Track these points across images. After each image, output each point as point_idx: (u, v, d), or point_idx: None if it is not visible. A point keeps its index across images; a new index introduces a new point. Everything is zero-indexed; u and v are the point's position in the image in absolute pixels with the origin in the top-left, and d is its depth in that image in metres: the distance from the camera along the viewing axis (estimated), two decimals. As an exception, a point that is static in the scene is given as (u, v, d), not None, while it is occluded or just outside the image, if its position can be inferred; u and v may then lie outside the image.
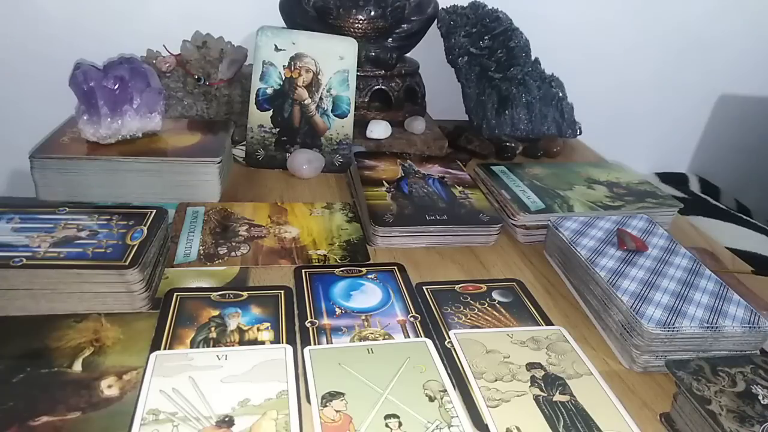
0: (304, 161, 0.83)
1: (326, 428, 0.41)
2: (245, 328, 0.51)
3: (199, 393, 0.43)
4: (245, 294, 0.56)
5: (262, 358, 0.47)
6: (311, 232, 0.68)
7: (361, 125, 0.90)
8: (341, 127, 0.85)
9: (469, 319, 0.55)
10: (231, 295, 0.55)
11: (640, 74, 1.27)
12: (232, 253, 0.62)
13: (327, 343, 0.50)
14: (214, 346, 0.48)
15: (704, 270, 0.58)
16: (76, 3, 0.99)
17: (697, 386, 0.42)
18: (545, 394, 0.46)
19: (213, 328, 0.51)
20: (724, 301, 0.53)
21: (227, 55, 0.91)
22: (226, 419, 0.41)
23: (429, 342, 0.51)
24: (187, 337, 0.49)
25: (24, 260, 0.50)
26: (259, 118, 0.84)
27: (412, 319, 0.54)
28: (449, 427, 0.42)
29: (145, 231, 0.56)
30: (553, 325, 0.55)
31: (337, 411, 0.42)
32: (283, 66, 0.83)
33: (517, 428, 0.42)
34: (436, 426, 0.42)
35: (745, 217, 1.11)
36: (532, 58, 1.02)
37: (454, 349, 0.50)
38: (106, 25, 1.01)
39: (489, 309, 0.57)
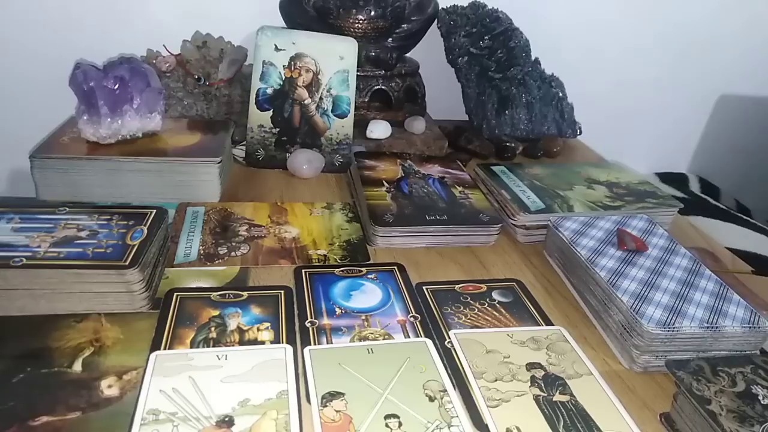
0: (304, 161, 0.83)
1: (326, 428, 0.41)
2: (245, 328, 0.51)
3: (199, 393, 0.43)
4: (245, 294, 0.56)
5: (262, 358, 0.47)
6: (311, 232, 0.68)
7: (361, 125, 0.90)
8: (341, 127, 0.85)
9: (469, 319, 0.55)
10: (231, 295, 0.55)
11: (640, 74, 1.27)
12: (232, 253, 0.62)
13: (327, 343, 0.50)
14: (214, 346, 0.48)
15: (704, 270, 0.58)
16: (76, 3, 0.99)
17: (697, 386, 0.42)
18: (545, 394, 0.46)
19: (213, 328, 0.51)
20: (724, 301, 0.53)
21: (227, 55, 0.91)
22: (226, 419, 0.41)
23: (429, 342, 0.51)
24: (187, 337, 0.49)
25: (24, 260, 0.50)
26: (259, 118, 0.84)
27: (412, 319, 0.54)
28: (449, 427, 0.42)
29: (145, 231, 0.56)
30: (553, 325, 0.55)
31: (337, 411, 0.42)
32: (283, 66, 0.83)
33: (517, 428, 0.42)
34: (436, 426, 0.42)
35: (745, 217, 1.11)
36: (532, 58, 1.02)
37: (454, 349, 0.50)
38: (106, 25, 1.01)
39: (489, 309, 0.57)
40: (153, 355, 0.46)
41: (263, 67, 0.83)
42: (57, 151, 0.70)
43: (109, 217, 0.58)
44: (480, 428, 0.43)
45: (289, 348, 0.48)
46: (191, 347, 0.48)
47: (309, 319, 0.53)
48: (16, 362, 0.45)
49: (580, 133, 1.04)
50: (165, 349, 0.48)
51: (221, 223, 0.68)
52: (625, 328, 0.51)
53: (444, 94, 1.03)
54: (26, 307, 0.50)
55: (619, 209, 0.73)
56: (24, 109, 1.03)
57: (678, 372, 0.43)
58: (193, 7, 1.02)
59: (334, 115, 0.85)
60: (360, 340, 0.51)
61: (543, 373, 0.48)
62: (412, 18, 0.96)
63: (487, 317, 0.55)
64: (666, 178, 1.32)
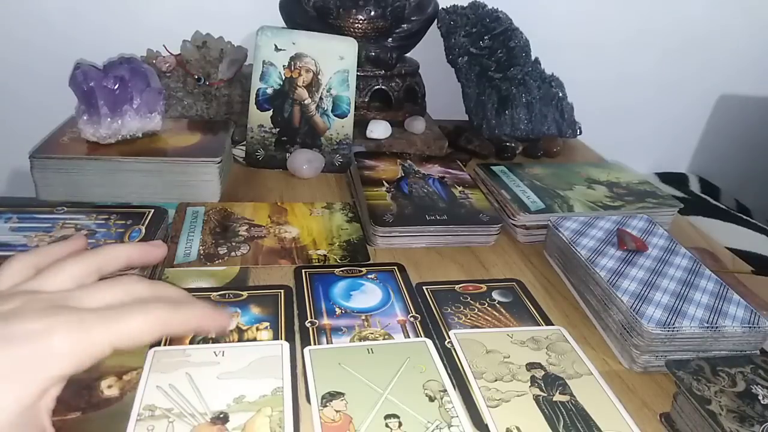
0: (304, 161, 0.83)
1: (326, 428, 0.41)
2: (244, 328, 0.51)
3: (195, 389, 0.43)
4: (245, 294, 0.55)
5: (259, 355, 0.47)
6: (311, 232, 0.68)
7: (361, 125, 0.90)
8: (341, 127, 0.85)
9: (469, 319, 0.55)
10: (231, 295, 0.55)
11: (640, 75, 1.27)
12: (232, 253, 0.62)
13: (327, 343, 0.50)
14: (213, 345, 0.48)
15: (704, 270, 0.58)
16: (76, 3, 0.99)
17: (697, 386, 0.42)
18: (545, 394, 0.46)
19: (212, 328, 0.50)
20: (724, 301, 0.53)
21: (227, 55, 0.91)
22: (221, 416, 0.41)
23: (429, 342, 0.51)
24: (186, 336, 0.49)
25: (23, 260, 0.50)
26: (259, 118, 0.84)
27: (412, 319, 0.54)
28: (449, 427, 0.42)
29: (143, 230, 0.56)
30: (553, 325, 0.55)
31: (337, 411, 0.42)
32: (283, 66, 0.83)
33: (517, 428, 0.42)
34: (436, 426, 0.42)
35: (745, 217, 1.11)
36: (532, 58, 1.02)
37: (454, 349, 0.50)
38: (105, 25, 1.01)
39: (489, 309, 0.57)
40: (151, 351, 0.46)
41: (263, 67, 0.83)
42: (57, 151, 0.70)
43: (107, 216, 0.58)
44: (480, 428, 0.42)
45: (286, 345, 0.48)
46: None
47: (309, 319, 0.53)
48: (15, 362, 0.45)
49: (580, 133, 1.04)
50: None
51: (221, 223, 0.68)
52: (625, 328, 0.51)
53: (444, 94, 1.03)
54: (26, 306, 0.50)
55: (619, 209, 0.73)
56: (24, 109, 1.03)
57: (678, 372, 0.43)
58: (193, 7, 1.02)
59: (334, 115, 0.85)
60: (360, 340, 0.51)
61: (543, 373, 0.48)
62: (412, 18, 0.96)
63: (487, 317, 0.55)
64: (666, 178, 1.32)
